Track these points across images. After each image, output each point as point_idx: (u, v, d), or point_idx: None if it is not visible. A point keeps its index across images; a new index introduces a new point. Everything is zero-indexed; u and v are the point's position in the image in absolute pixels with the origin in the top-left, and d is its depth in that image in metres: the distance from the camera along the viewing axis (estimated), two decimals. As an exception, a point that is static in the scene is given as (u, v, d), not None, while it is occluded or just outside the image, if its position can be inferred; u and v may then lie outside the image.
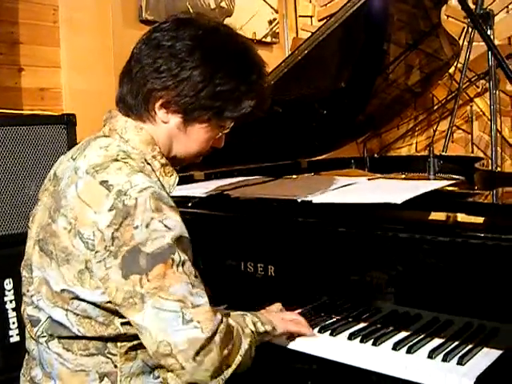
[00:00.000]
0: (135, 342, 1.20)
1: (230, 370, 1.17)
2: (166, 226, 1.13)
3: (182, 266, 1.14)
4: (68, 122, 2.22)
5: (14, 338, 2.00)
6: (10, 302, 2.00)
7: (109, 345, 1.20)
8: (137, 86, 1.25)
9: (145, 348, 1.17)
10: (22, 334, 1.98)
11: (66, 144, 2.20)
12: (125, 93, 1.27)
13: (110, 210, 1.12)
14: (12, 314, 2.00)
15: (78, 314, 1.17)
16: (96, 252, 1.12)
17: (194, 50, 1.22)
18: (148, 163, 1.24)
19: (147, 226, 1.12)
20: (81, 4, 2.82)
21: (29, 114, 2.30)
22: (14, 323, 2.00)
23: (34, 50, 2.67)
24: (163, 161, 1.28)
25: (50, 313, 1.20)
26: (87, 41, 2.85)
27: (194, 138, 1.30)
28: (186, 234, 1.19)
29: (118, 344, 1.20)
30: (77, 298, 1.16)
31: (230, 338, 1.17)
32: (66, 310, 1.18)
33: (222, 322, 1.16)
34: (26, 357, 1.33)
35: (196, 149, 1.33)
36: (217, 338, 1.13)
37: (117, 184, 1.14)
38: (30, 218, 1.34)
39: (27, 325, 1.29)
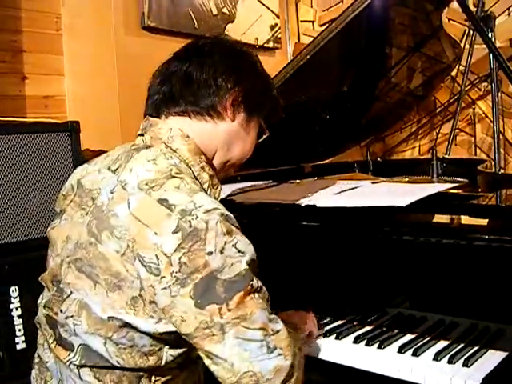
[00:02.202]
0: (169, 377, 1.17)
1: None
2: (239, 250, 1.08)
3: (259, 291, 1.10)
4: (72, 129, 2.22)
5: (21, 345, 2.00)
6: (16, 309, 2.00)
7: (143, 380, 1.14)
8: (205, 85, 1.25)
9: (173, 380, 1.16)
10: (28, 341, 1.98)
11: (70, 151, 2.20)
12: (180, 92, 1.26)
13: (175, 232, 1.05)
14: (18, 322, 2.00)
15: (118, 344, 1.11)
16: (162, 277, 1.05)
17: (243, 54, 1.35)
18: (196, 178, 1.21)
19: (221, 252, 1.05)
20: (83, 12, 2.83)
21: (33, 121, 2.30)
22: (20, 330, 2.00)
23: (37, 58, 2.68)
24: (211, 172, 1.26)
25: (86, 340, 1.13)
26: (90, 48, 2.86)
27: (251, 137, 1.34)
28: (255, 256, 1.13)
29: (152, 378, 1.15)
30: (126, 325, 1.10)
31: (301, 360, 1.17)
32: (107, 338, 1.11)
33: (295, 345, 1.15)
34: (37, 360, 1.28)
35: (249, 148, 1.35)
36: (296, 363, 1.12)
37: (179, 204, 1.08)
38: (51, 230, 1.28)
39: (50, 340, 1.21)
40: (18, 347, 2.00)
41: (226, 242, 1.06)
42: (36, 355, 1.29)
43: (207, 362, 1.09)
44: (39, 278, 1.29)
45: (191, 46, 1.33)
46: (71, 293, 1.16)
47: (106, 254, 1.10)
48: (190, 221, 1.05)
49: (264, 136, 1.38)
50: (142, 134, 1.27)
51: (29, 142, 2.09)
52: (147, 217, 1.08)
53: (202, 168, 1.24)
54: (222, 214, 1.09)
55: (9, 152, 2.03)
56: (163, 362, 1.14)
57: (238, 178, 2.34)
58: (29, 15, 2.64)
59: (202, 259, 1.04)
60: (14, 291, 2.01)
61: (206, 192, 1.22)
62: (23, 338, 2.00)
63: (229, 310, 1.05)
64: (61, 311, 1.18)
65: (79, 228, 1.18)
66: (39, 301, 1.28)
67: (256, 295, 1.09)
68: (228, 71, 1.27)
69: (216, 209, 1.09)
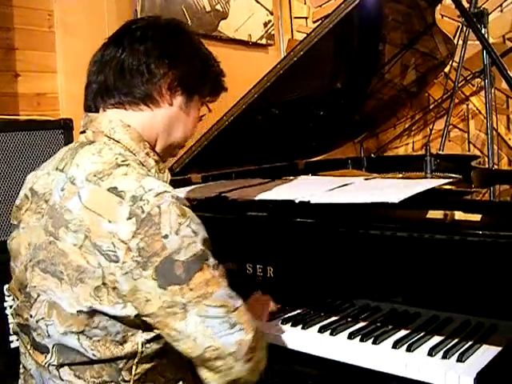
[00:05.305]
0: (149, 366, 1.16)
1: (263, 365, 1.20)
2: (193, 230, 1.11)
3: (217, 268, 1.13)
4: (65, 126, 2.22)
5: (15, 344, 2.00)
6: (10, 307, 2.00)
7: (123, 373, 1.14)
8: (138, 73, 1.24)
9: (155, 373, 1.17)
10: (22, 339, 1.98)
11: (63, 148, 2.20)
12: (114, 84, 1.25)
13: (129, 218, 1.07)
14: (12, 320, 2.00)
15: (91, 338, 1.11)
16: (123, 263, 1.07)
17: (178, 35, 1.32)
18: (143, 164, 1.22)
19: (177, 233, 1.08)
20: (76, 8, 2.82)
21: (26, 119, 2.30)
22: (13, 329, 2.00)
23: (29, 56, 2.67)
24: (156, 157, 1.27)
25: (60, 339, 1.13)
26: (83, 45, 2.84)
27: (192, 117, 1.33)
28: (207, 235, 1.16)
29: (133, 372, 1.15)
30: (97, 313, 1.10)
31: (261, 335, 1.20)
32: (79, 333, 1.11)
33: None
34: (22, 370, 1.28)
35: (191, 129, 1.34)
36: (257, 336, 1.15)
37: (128, 190, 1.09)
38: (10, 241, 1.28)
39: (28, 346, 1.22)
40: (12, 346, 2.00)
41: (180, 224, 1.09)
42: (21, 366, 1.29)
43: (169, 339, 1.12)
44: (7, 289, 1.29)
45: (125, 31, 1.31)
46: (38, 295, 1.17)
47: (65, 249, 1.12)
48: (141, 206, 1.08)
49: (206, 114, 1.38)
50: (83, 132, 1.27)
51: (22, 139, 2.09)
52: (99, 206, 1.10)
53: (147, 154, 1.25)
54: (173, 196, 1.11)
55: (1, 150, 2.03)
56: (140, 348, 1.13)
57: (231, 174, 2.34)
58: (21, 12, 2.63)
59: (159, 243, 1.07)
60: (7, 289, 2.00)
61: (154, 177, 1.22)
62: (17, 337, 2.00)
63: (190, 290, 1.08)
64: (31, 316, 1.19)
65: (37, 231, 1.19)
66: (11, 311, 1.28)
67: (215, 272, 1.12)
68: (161, 56, 1.25)
69: (166, 192, 1.11)
